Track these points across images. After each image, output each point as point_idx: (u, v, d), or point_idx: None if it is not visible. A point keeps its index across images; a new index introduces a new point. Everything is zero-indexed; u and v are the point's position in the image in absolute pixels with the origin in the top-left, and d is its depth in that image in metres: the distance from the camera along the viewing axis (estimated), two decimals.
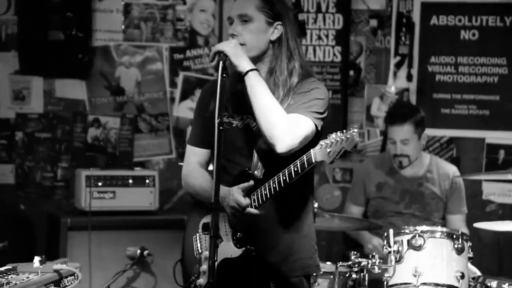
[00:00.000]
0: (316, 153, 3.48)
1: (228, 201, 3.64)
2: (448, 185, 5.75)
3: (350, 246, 5.67)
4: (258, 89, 3.60)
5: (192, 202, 4.02)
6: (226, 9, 6.27)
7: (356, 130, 3.47)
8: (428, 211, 5.69)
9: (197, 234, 3.88)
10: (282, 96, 3.70)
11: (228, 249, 3.73)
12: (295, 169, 3.53)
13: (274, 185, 3.58)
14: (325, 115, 3.73)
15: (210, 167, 3.91)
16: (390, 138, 5.62)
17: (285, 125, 3.56)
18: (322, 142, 3.47)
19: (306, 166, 3.51)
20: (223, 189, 3.57)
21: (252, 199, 3.64)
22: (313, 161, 3.49)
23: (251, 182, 3.64)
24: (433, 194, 5.71)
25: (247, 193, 3.65)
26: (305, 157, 3.50)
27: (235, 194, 3.63)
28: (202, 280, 3.77)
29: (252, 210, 3.64)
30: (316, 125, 3.66)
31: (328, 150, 3.45)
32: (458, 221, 5.72)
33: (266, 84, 3.68)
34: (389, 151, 5.69)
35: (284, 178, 3.55)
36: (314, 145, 3.61)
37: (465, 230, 5.51)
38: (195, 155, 3.95)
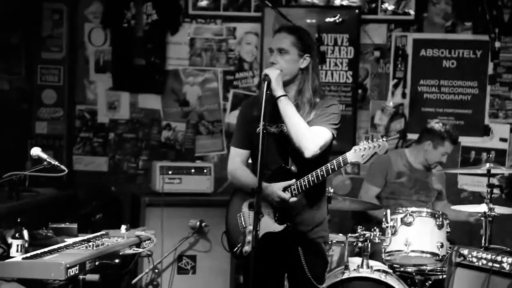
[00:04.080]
0: (351, 156, 3.53)
1: (272, 197, 3.66)
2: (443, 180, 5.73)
3: (357, 221, 5.62)
4: (288, 110, 3.64)
5: (233, 188, 4.01)
6: (266, 43, 6.24)
7: (385, 139, 3.53)
8: (430, 197, 5.63)
9: (241, 212, 3.86)
10: (307, 111, 3.72)
11: (271, 225, 3.73)
12: (332, 167, 3.57)
13: (312, 178, 3.60)
14: (339, 125, 3.76)
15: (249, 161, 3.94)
16: (445, 153, 5.51)
17: (309, 137, 3.60)
18: (356, 147, 3.53)
19: (342, 165, 3.57)
20: (266, 187, 3.60)
21: (292, 188, 3.65)
22: (348, 161, 3.55)
23: (292, 181, 3.65)
24: (435, 186, 5.66)
25: (286, 187, 3.67)
26: (341, 158, 3.56)
27: (277, 192, 3.65)
28: (247, 248, 3.77)
29: (293, 199, 3.65)
30: (333, 134, 3.70)
31: (362, 153, 3.49)
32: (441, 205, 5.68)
33: (294, 103, 3.71)
34: (428, 155, 5.55)
35: (322, 173, 3.59)
36: (330, 148, 3.67)
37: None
38: (238, 155, 3.93)
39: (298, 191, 3.64)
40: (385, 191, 5.59)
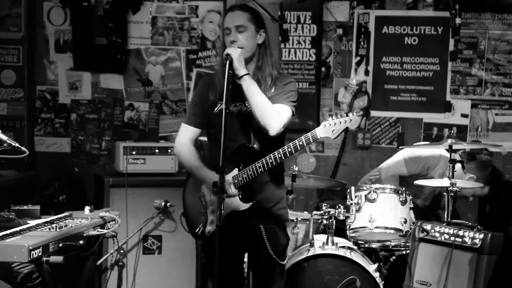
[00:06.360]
0: (320, 131, 3.51)
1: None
2: None
3: (322, 199, 5.66)
4: (252, 89, 3.63)
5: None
6: None
7: (359, 113, 3.52)
8: None
9: (201, 192, 3.86)
10: (270, 84, 3.74)
11: (236, 204, 3.73)
12: (300, 143, 3.55)
13: (280, 155, 3.59)
14: (296, 102, 3.77)
15: (202, 138, 3.94)
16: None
17: (273, 115, 3.60)
18: (325, 123, 3.51)
19: (311, 140, 3.55)
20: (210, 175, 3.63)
21: (258, 166, 3.63)
22: (318, 137, 3.54)
23: (233, 175, 3.68)
24: None
25: (245, 165, 3.67)
26: (310, 134, 3.53)
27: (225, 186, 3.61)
28: (210, 228, 3.77)
29: (231, 193, 3.68)
30: (292, 111, 3.72)
31: (332, 129, 3.48)
32: None
33: (254, 79, 3.71)
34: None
35: (289, 150, 3.58)
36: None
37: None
38: (188, 133, 3.91)
39: (264, 169, 3.63)
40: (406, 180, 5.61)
